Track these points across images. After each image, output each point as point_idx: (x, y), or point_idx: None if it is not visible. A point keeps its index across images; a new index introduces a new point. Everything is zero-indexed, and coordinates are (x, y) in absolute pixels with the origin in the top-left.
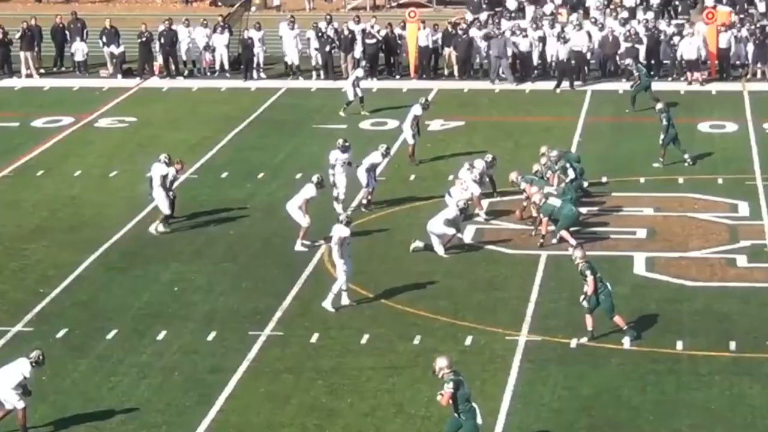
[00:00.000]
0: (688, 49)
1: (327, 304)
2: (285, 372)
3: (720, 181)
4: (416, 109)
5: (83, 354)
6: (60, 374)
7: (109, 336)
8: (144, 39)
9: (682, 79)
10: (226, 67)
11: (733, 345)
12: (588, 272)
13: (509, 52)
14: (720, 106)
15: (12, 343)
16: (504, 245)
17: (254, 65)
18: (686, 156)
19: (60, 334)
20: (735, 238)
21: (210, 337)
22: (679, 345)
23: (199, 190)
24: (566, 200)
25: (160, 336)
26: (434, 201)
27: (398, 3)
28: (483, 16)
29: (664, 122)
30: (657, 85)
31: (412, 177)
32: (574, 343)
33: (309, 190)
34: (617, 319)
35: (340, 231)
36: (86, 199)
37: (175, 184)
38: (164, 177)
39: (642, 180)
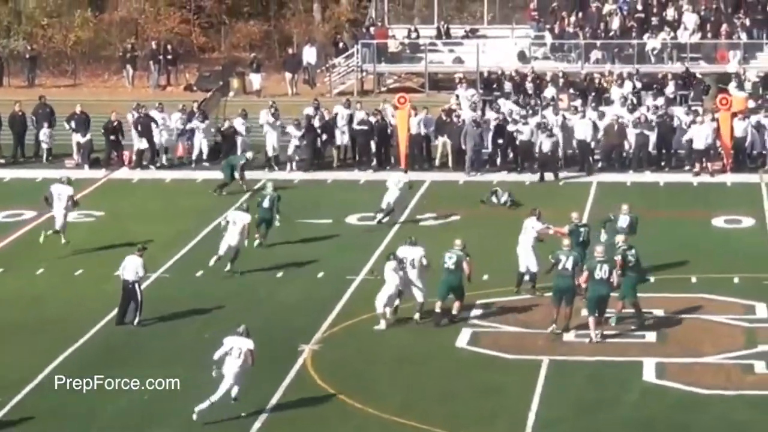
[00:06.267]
0: (698, 137)
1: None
2: None
3: (736, 280)
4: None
5: None
6: None
7: None
8: (113, 126)
9: (693, 170)
10: (205, 156)
11: None
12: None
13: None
14: (736, 198)
15: None
16: (502, 350)
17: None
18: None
19: None
20: (752, 342)
21: None
22: None
23: (171, 289)
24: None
25: None
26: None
27: (387, 88)
28: (461, 101)
29: None
30: (668, 177)
31: None
32: None
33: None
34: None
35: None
36: (50, 298)
37: (144, 284)
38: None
39: (652, 279)
